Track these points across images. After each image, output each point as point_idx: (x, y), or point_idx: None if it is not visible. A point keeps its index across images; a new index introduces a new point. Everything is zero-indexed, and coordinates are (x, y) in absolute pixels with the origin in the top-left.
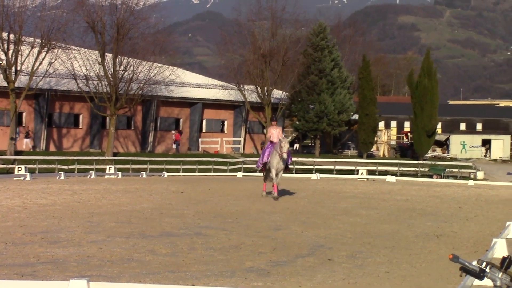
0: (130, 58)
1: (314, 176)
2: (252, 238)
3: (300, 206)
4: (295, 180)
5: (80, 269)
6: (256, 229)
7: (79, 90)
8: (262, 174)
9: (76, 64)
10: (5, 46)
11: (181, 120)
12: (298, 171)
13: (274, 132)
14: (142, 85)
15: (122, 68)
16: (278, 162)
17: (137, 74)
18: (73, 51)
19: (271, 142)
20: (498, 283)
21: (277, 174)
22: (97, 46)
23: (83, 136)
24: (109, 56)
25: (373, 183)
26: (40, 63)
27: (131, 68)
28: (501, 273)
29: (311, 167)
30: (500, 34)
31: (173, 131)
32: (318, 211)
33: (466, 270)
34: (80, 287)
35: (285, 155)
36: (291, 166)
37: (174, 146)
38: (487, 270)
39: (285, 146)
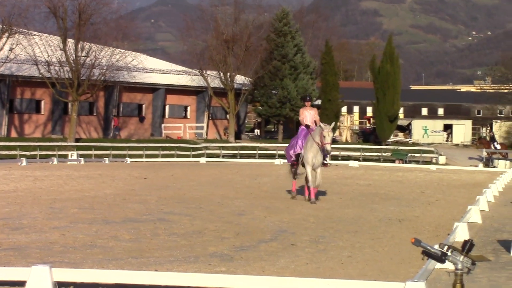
0: (92, 44)
1: (277, 161)
2: (216, 223)
3: (263, 191)
4: (257, 165)
5: (42, 256)
6: (220, 214)
7: (40, 76)
8: (288, 166)
9: (38, 50)
10: None
11: (143, 105)
12: (261, 156)
13: (308, 115)
14: (104, 70)
15: (84, 53)
16: (315, 156)
17: (99, 59)
18: (34, 37)
19: (307, 126)
20: (460, 266)
21: (313, 171)
22: (59, 32)
23: (44, 122)
24: (71, 42)
25: (335, 168)
26: (1, 49)
27: (93, 53)
28: (462, 257)
29: (274, 152)
30: (461, 19)
31: (112, 116)
32: (281, 196)
33: (428, 254)
34: (43, 274)
35: (328, 147)
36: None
37: (115, 132)
38: (449, 253)
39: (330, 136)
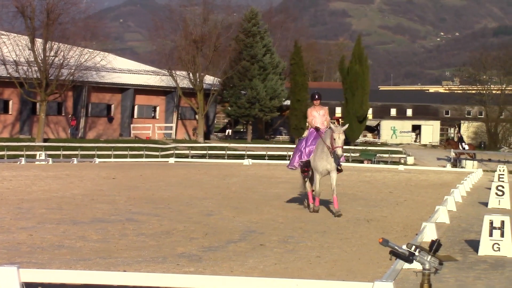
0: (60, 44)
1: (246, 161)
2: (184, 223)
3: (232, 191)
4: (226, 165)
5: (10, 256)
6: (188, 214)
7: (8, 75)
8: (299, 175)
9: (6, 50)
10: None
11: (112, 106)
12: (230, 156)
13: (317, 115)
14: (72, 70)
15: (52, 53)
16: (326, 161)
17: (68, 59)
18: (2, 37)
19: (317, 129)
20: (427, 266)
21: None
22: (27, 31)
23: (12, 122)
24: (39, 42)
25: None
26: None
27: (62, 53)
28: (430, 256)
29: (243, 152)
30: (429, 20)
31: (69, 116)
32: (250, 196)
33: (396, 254)
34: (10, 274)
35: (339, 151)
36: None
37: (69, 131)
38: (416, 253)
39: (341, 138)
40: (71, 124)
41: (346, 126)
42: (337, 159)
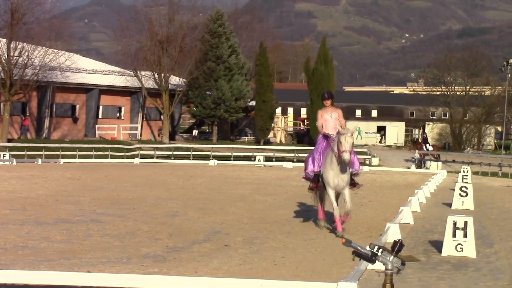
0: (25, 44)
1: (211, 162)
2: (149, 224)
3: (197, 192)
4: (192, 166)
5: None
6: (153, 215)
7: None
8: (308, 188)
9: None
10: None
11: (77, 106)
12: (195, 157)
13: (329, 119)
14: (37, 71)
15: (16, 53)
16: (338, 174)
17: (32, 59)
18: None
19: (326, 136)
20: (390, 266)
21: (338, 195)
22: None
23: None
24: (3, 41)
25: (270, 169)
26: None
27: (26, 53)
28: (392, 257)
29: (209, 153)
30: (394, 22)
31: (22, 116)
32: (215, 197)
33: (358, 254)
34: None
35: (346, 156)
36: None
37: (20, 131)
38: (379, 254)
39: (348, 142)
40: (23, 124)
41: (355, 128)
42: (344, 165)
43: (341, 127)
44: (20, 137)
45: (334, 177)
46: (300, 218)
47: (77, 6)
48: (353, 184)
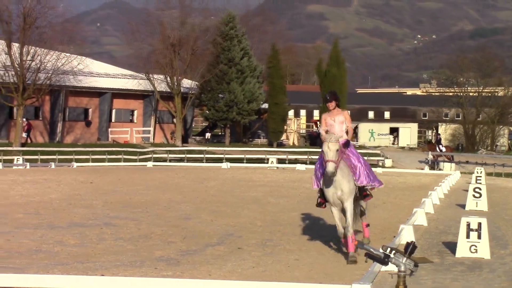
0: (37, 48)
1: (224, 165)
2: (162, 227)
3: (210, 195)
4: (204, 169)
5: None
6: (166, 218)
7: None
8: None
9: None
10: None
11: (90, 110)
12: (208, 160)
13: (334, 123)
14: (50, 75)
15: (29, 57)
16: (337, 187)
17: (45, 63)
18: None
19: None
20: (402, 268)
21: (344, 212)
22: (3, 36)
23: None
24: (15, 46)
25: (283, 171)
26: None
27: (39, 57)
28: (405, 258)
29: (222, 156)
30: (406, 23)
31: (24, 120)
32: (228, 200)
33: (371, 256)
34: None
35: (329, 167)
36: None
37: (24, 135)
38: (391, 255)
39: (331, 149)
40: (26, 127)
41: (341, 133)
42: (328, 178)
43: (347, 132)
44: (29, 141)
45: (334, 193)
46: (313, 220)
47: (89, 10)
48: (364, 196)
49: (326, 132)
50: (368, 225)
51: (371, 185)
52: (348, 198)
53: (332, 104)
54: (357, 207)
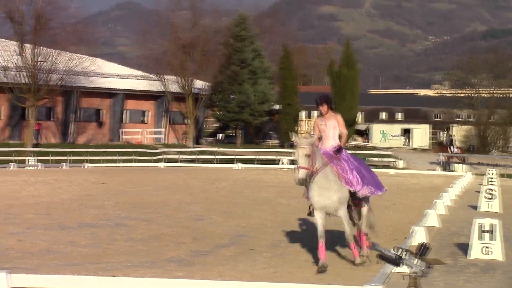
0: (49, 49)
1: (236, 166)
2: (173, 228)
3: (221, 196)
4: (216, 170)
5: None
6: (177, 219)
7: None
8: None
9: None
10: None
11: (102, 110)
12: (220, 161)
13: (326, 128)
14: (62, 75)
15: (41, 58)
16: (323, 193)
17: (57, 64)
18: None
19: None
20: (415, 269)
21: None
22: (16, 37)
23: (2, 128)
24: (28, 47)
25: (293, 172)
26: None
27: (51, 58)
28: (417, 260)
29: (233, 157)
30: (418, 24)
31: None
32: (239, 201)
33: (383, 257)
34: (0, 279)
35: (297, 174)
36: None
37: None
38: (404, 257)
39: (299, 155)
40: (35, 128)
41: (315, 137)
42: (297, 183)
43: (340, 137)
44: (38, 142)
45: (318, 196)
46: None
47: (100, 11)
48: (356, 204)
49: (319, 138)
50: (366, 234)
51: (367, 192)
52: (339, 206)
53: (324, 108)
54: (356, 214)
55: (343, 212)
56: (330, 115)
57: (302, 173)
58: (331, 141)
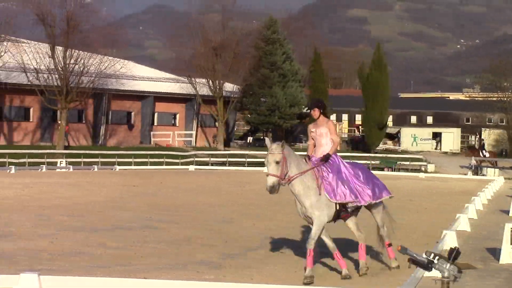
0: (80, 51)
1: (265, 169)
2: (203, 231)
3: (251, 199)
4: (246, 173)
5: (30, 263)
6: (207, 222)
7: (29, 83)
8: None
9: (26, 57)
10: None
11: (132, 113)
12: (250, 164)
13: (317, 136)
14: (93, 78)
15: (72, 61)
16: (302, 203)
17: (88, 67)
18: (22, 44)
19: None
20: (446, 274)
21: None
22: (47, 39)
23: (33, 130)
24: (59, 49)
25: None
26: None
27: (82, 61)
28: (448, 264)
29: (263, 160)
30: (449, 27)
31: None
32: (269, 204)
33: (414, 262)
34: (31, 281)
35: (268, 181)
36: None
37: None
38: (435, 261)
39: (269, 162)
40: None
41: (283, 142)
42: (268, 192)
43: (334, 143)
44: (69, 144)
45: (299, 208)
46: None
47: (131, 14)
48: (341, 215)
49: (314, 145)
50: (390, 245)
51: (351, 201)
52: (313, 212)
53: (315, 113)
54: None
55: (317, 215)
56: (322, 121)
57: (269, 181)
58: (324, 148)
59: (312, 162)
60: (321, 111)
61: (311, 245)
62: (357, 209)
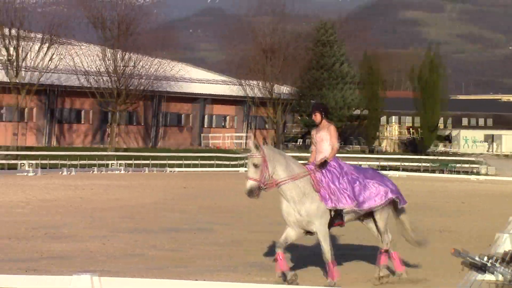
0: (132, 54)
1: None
2: (255, 233)
3: None
4: None
5: (83, 264)
6: (259, 224)
7: (81, 85)
8: None
9: (78, 60)
10: (7, 42)
11: (184, 115)
12: None
13: (318, 140)
14: (145, 80)
15: (124, 63)
16: (292, 207)
17: (140, 69)
18: (75, 47)
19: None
20: (500, 277)
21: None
22: (99, 42)
23: (86, 132)
24: (110, 52)
25: None
26: (46, 59)
27: (133, 63)
28: (502, 268)
29: None
30: (502, 29)
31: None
32: None
33: (468, 264)
34: (84, 282)
35: (246, 185)
36: None
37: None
38: (489, 264)
39: (249, 165)
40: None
41: (262, 143)
42: (247, 195)
43: (332, 149)
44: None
45: (287, 210)
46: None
47: (182, 17)
48: (332, 222)
49: (313, 154)
50: (387, 251)
51: (345, 207)
52: (313, 221)
53: (316, 117)
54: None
55: (318, 227)
56: (324, 126)
57: (248, 185)
58: (324, 154)
59: (309, 167)
60: (323, 115)
61: (328, 258)
62: (369, 214)
